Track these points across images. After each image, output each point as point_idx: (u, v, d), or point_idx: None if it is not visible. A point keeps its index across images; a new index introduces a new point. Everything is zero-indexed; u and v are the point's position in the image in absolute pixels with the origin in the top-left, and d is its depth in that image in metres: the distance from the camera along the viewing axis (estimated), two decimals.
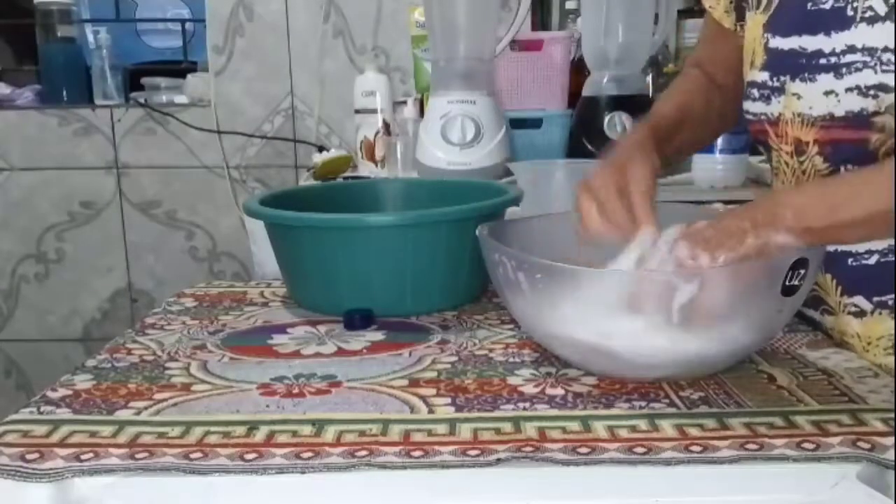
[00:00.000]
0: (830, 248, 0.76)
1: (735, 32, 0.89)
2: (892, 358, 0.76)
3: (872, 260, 0.76)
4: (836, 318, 0.80)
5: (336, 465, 0.53)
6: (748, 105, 0.83)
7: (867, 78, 0.71)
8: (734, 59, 0.87)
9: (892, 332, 0.76)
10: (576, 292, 0.64)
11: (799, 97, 0.76)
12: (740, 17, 0.88)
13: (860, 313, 0.78)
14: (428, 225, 0.86)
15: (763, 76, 0.80)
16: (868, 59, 0.71)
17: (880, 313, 0.77)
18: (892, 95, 0.70)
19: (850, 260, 0.77)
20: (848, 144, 0.75)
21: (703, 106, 0.90)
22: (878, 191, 0.62)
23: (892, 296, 0.76)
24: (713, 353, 0.65)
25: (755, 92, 0.82)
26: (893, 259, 0.75)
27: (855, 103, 0.72)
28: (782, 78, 0.78)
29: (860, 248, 0.77)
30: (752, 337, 0.66)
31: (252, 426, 0.59)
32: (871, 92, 0.71)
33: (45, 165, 2.05)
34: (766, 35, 0.80)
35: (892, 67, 0.69)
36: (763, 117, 0.82)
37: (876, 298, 0.77)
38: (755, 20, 0.82)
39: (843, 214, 0.63)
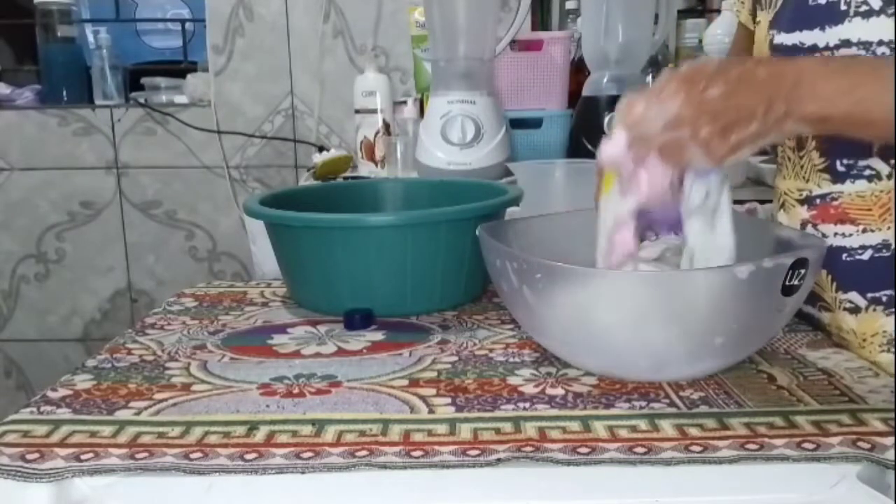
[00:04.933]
0: None
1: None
2: (886, 355, 0.76)
3: (866, 255, 0.77)
4: (833, 314, 0.80)
5: (336, 465, 0.53)
6: None
7: None
8: None
9: (886, 329, 0.76)
10: (576, 292, 0.64)
11: None
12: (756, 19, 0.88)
13: (855, 310, 0.78)
14: (428, 225, 0.86)
15: None
16: (863, 52, 0.71)
17: (874, 310, 0.77)
18: None
19: (844, 255, 0.78)
20: (843, 138, 0.75)
21: None
22: None
23: (886, 292, 0.76)
24: (713, 353, 0.65)
25: None
26: (887, 255, 0.76)
27: None
28: None
29: (854, 243, 0.77)
30: (752, 337, 0.66)
31: (252, 426, 0.59)
32: None
33: (45, 165, 2.05)
34: (771, 32, 0.81)
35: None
36: None
37: (870, 294, 0.77)
38: (764, 18, 0.83)
39: (868, 110, 0.59)
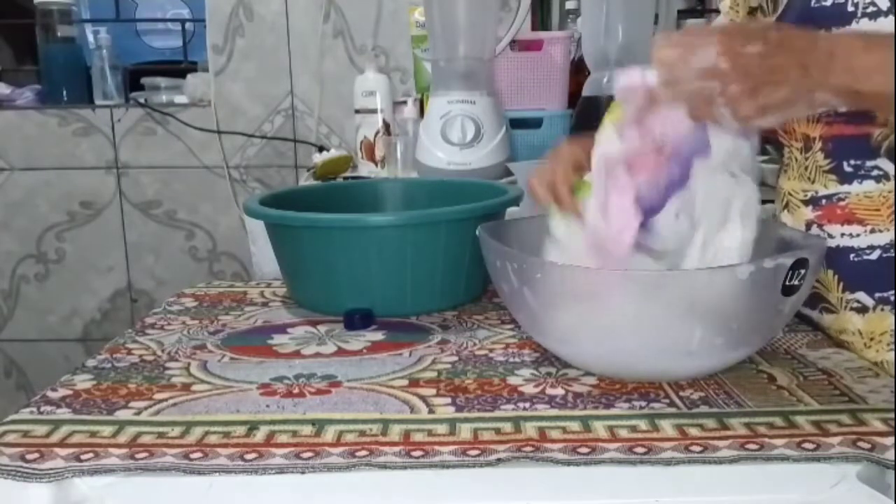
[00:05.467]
0: (832, 244, 0.77)
1: None
2: (893, 353, 0.76)
3: (874, 255, 0.77)
4: (836, 315, 0.80)
5: (336, 465, 0.53)
6: None
7: None
8: None
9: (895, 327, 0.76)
10: (576, 292, 0.64)
11: None
12: None
13: (862, 309, 0.78)
14: (428, 225, 0.86)
15: None
16: None
17: (882, 309, 0.77)
18: None
19: (851, 255, 0.78)
20: (850, 139, 0.76)
21: None
22: None
23: (894, 291, 0.76)
24: (713, 353, 0.65)
25: None
26: (894, 255, 0.76)
27: None
28: None
29: (862, 243, 0.77)
30: (752, 337, 0.66)
31: (252, 426, 0.59)
32: None
33: (45, 165, 2.05)
34: None
35: None
36: None
37: (878, 294, 0.77)
38: None
39: None
